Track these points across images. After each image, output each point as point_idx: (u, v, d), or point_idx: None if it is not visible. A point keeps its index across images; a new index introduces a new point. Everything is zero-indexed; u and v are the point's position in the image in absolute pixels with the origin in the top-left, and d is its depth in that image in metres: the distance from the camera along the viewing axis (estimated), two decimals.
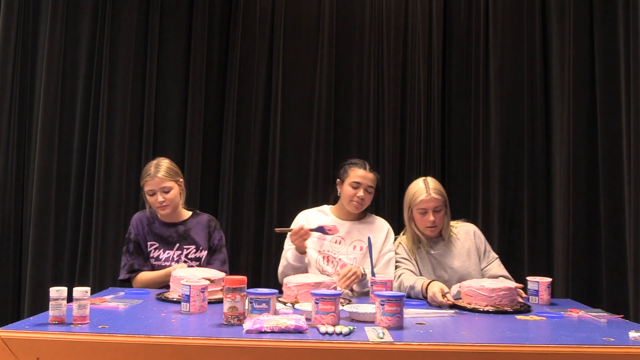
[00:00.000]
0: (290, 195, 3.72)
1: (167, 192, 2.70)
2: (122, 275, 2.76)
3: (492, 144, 3.68)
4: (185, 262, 2.75)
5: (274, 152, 3.77)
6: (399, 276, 2.69)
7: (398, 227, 3.76)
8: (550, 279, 2.53)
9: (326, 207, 2.95)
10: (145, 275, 2.71)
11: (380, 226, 2.89)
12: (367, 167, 2.82)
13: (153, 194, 2.70)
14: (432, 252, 2.74)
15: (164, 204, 2.69)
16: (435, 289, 2.38)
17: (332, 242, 2.78)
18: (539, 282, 2.49)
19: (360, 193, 2.77)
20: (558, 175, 3.58)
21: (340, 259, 2.75)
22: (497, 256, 2.80)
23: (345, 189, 2.81)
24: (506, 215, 3.66)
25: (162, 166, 2.73)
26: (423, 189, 2.69)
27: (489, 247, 2.81)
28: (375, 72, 3.80)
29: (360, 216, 2.90)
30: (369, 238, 2.67)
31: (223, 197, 3.73)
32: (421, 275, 2.70)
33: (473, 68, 3.78)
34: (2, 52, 3.67)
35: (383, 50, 3.80)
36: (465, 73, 3.81)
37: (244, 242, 3.73)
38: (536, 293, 2.48)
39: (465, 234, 2.80)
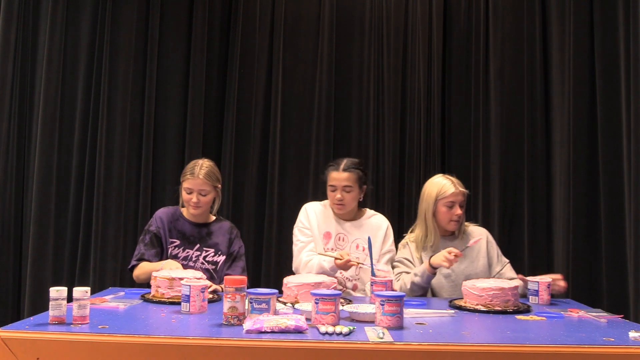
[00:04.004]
0: (290, 195, 3.72)
1: (203, 195, 2.75)
2: (132, 263, 2.77)
3: (492, 144, 3.68)
4: (202, 264, 2.76)
5: (274, 151, 3.77)
6: (399, 277, 2.69)
7: (398, 226, 3.76)
8: (550, 280, 2.53)
9: (328, 203, 2.93)
10: (145, 266, 2.71)
11: (379, 224, 2.87)
12: (341, 166, 2.78)
13: (190, 192, 2.74)
14: (442, 250, 2.75)
15: (197, 205, 2.74)
16: (444, 252, 2.51)
17: (337, 241, 2.80)
18: (539, 282, 2.49)
19: (338, 195, 2.77)
20: (558, 175, 3.58)
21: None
22: (508, 261, 2.81)
23: (328, 194, 2.84)
24: (506, 215, 3.66)
25: (205, 168, 2.76)
26: (450, 184, 2.75)
27: (500, 252, 2.83)
28: (375, 72, 3.80)
29: (359, 215, 2.89)
30: (368, 238, 2.67)
31: (223, 197, 3.72)
32: None
33: (473, 68, 3.78)
34: (2, 52, 3.67)
35: (383, 50, 3.81)
36: (465, 73, 3.81)
37: (244, 242, 3.70)
38: (536, 293, 2.48)
39: (478, 237, 2.81)
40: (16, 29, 3.71)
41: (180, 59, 3.79)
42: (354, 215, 2.88)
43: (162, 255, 2.76)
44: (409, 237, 2.85)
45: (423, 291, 2.65)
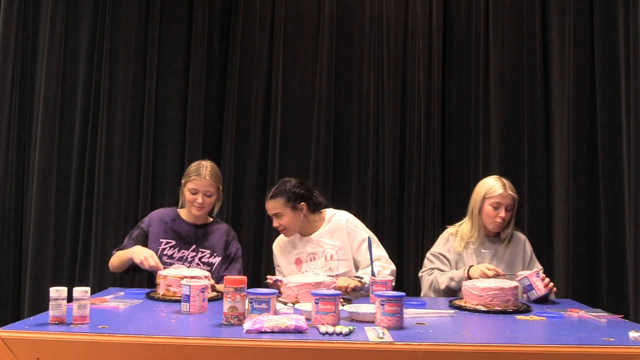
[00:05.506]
0: None
1: (208, 196, 2.75)
2: (113, 253, 2.78)
3: (492, 144, 3.68)
4: (197, 264, 2.76)
5: (274, 152, 3.77)
6: (432, 271, 2.73)
7: (398, 225, 3.77)
8: (535, 270, 2.55)
9: None
10: (118, 254, 2.72)
11: (338, 225, 2.80)
12: (268, 195, 2.77)
13: (195, 192, 2.74)
14: (482, 250, 2.77)
15: (202, 205, 2.74)
16: (482, 267, 2.53)
17: (307, 262, 2.79)
18: (527, 276, 2.49)
19: (275, 224, 2.79)
20: (558, 176, 3.58)
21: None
22: (541, 267, 2.80)
23: None
24: None
25: (210, 169, 2.78)
26: (500, 185, 2.75)
27: (534, 258, 2.84)
28: (375, 72, 3.80)
29: (319, 223, 2.83)
30: (368, 238, 2.68)
31: (223, 197, 3.72)
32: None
33: (473, 68, 3.78)
34: (2, 52, 3.67)
35: (383, 51, 3.81)
36: (465, 73, 3.81)
37: (244, 242, 3.72)
38: (530, 287, 2.48)
39: (516, 242, 2.83)
40: (16, 29, 3.71)
41: (180, 59, 3.79)
42: (313, 227, 2.81)
43: None
44: (451, 230, 2.86)
45: (454, 294, 2.67)
